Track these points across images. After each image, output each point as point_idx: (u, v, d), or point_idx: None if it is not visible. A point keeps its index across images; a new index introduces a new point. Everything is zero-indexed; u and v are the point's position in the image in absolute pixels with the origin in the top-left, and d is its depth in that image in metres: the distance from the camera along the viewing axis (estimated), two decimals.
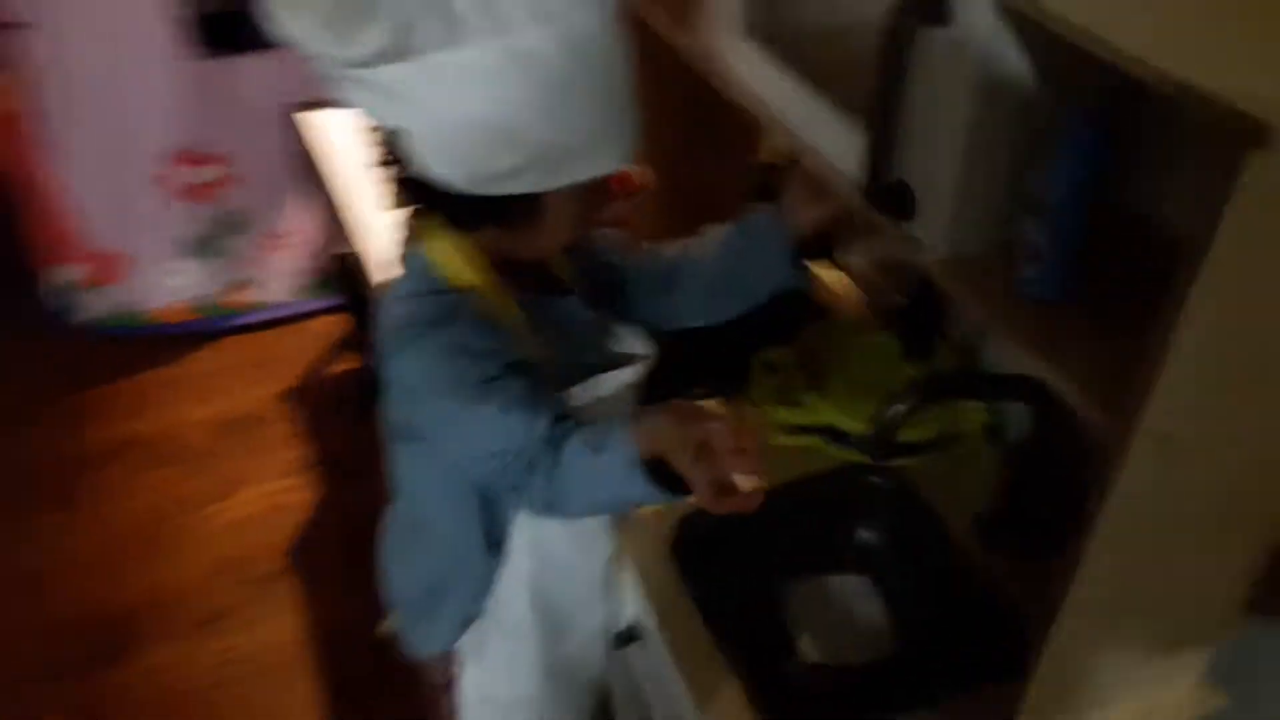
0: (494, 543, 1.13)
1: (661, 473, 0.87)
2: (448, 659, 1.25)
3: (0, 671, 1.89)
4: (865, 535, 1.27)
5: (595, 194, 0.99)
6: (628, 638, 1.24)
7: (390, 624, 1.31)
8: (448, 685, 1.28)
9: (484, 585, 1.16)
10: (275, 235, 2.56)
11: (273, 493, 2.21)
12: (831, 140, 0.96)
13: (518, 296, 1.02)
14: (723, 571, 1.19)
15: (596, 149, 0.93)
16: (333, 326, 2.61)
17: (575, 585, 1.24)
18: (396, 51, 0.84)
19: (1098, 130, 0.77)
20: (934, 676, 1.09)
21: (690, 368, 1.40)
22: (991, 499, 1.15)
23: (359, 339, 2.30)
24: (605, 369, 1.09)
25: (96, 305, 2.57)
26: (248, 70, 2.35)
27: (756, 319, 1.24)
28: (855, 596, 1.20)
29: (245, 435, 2.34)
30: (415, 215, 1.01)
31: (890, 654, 1.16)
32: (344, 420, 2.34)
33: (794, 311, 1.38)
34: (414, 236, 1.03)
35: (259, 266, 2.58)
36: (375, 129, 0.93)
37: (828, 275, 1.49)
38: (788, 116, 1.03)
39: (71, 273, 2.55)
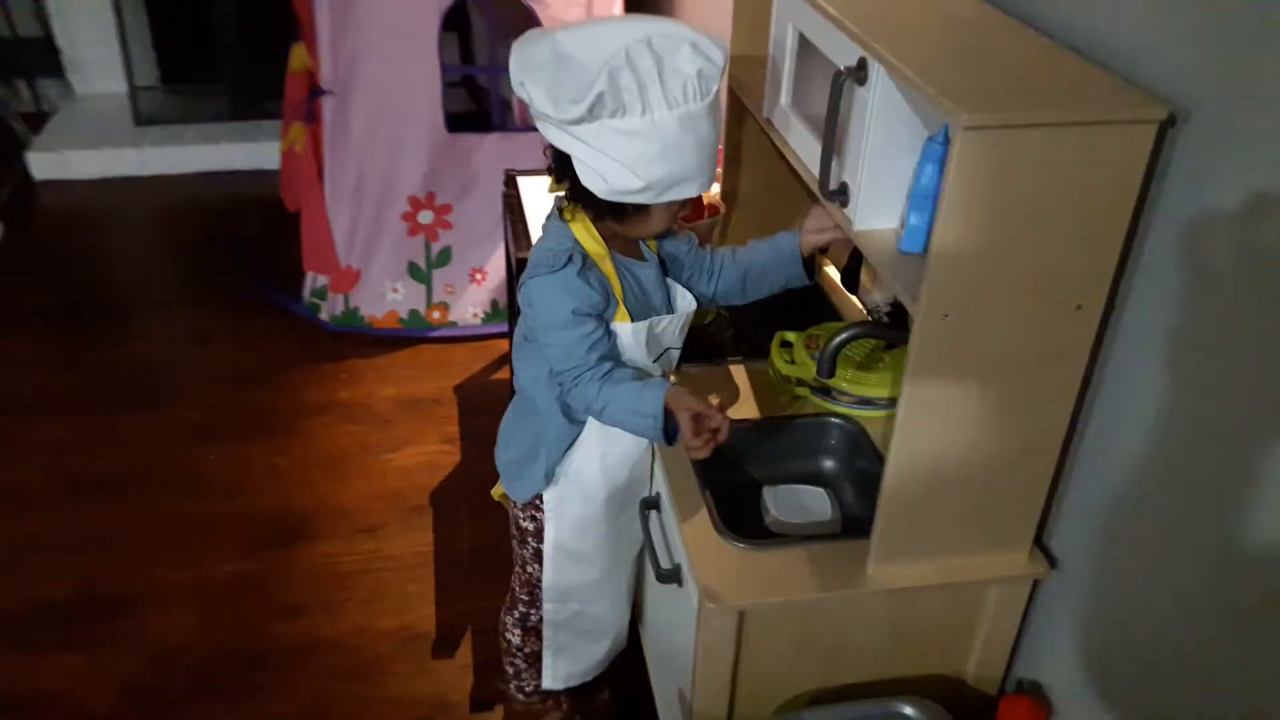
0: (572, 418, 1.69)
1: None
2: (537, 512, 1.78)
3: (212, 541, 2.56)
4: (829, 462, 1.77)
5: (682, 206, 1.58)
6: (651, 505, 1.76)
7: (500, 487, 1.87)
8: (537, 533, 1.80)
9: (566, 446, 1.69)
10: (470, 272, 3.31)
11: (430, 452, 2.86)
12: (814, 162, 1.53)
13: (615, 260, 1.62)
14: (723, 469, 1.71)
15: (689, 181, 1.49)
16: (498, 346, 3.30)
17: (633, 468, 1.76)
18: (585, 118, 1.40)
19: (943, 147, 1.31)
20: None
21: (737, 336, 1.98)
22: None
23: None
24: (661, 313, 1.67)
25: (333, 307, 3.36)
26: (480, 145, 3.16)
27: (782, 310, 1.80)
28: (814, 500, 1.68)
29: (419, 411, 3.02)
30: (568, 203, 1.58)
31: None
32: (493, 413, 2.97)
33: (810, 309, 1.93)
34: (561, 215, 1.61)
35: (455, 294, 3.33)
36: (556, 152, 1.50)
37: (845, 297, 2.04)
38: (801, 153, 1.62)
39: (321, 280, 3.37)
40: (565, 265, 1.52)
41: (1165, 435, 1.29)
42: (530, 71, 1.41)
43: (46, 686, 2.18)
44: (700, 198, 2.31)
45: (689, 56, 1.40)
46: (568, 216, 1.58)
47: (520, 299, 1.61)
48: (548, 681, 1.94)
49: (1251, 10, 1.10)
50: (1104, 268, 1.25)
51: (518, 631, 1.96)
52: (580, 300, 1.52)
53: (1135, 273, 1.31)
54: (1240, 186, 1.14)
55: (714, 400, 1.80)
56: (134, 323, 3.47)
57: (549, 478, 1.73)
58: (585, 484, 1.73)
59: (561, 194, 1.58)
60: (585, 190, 1.48)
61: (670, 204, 1.52)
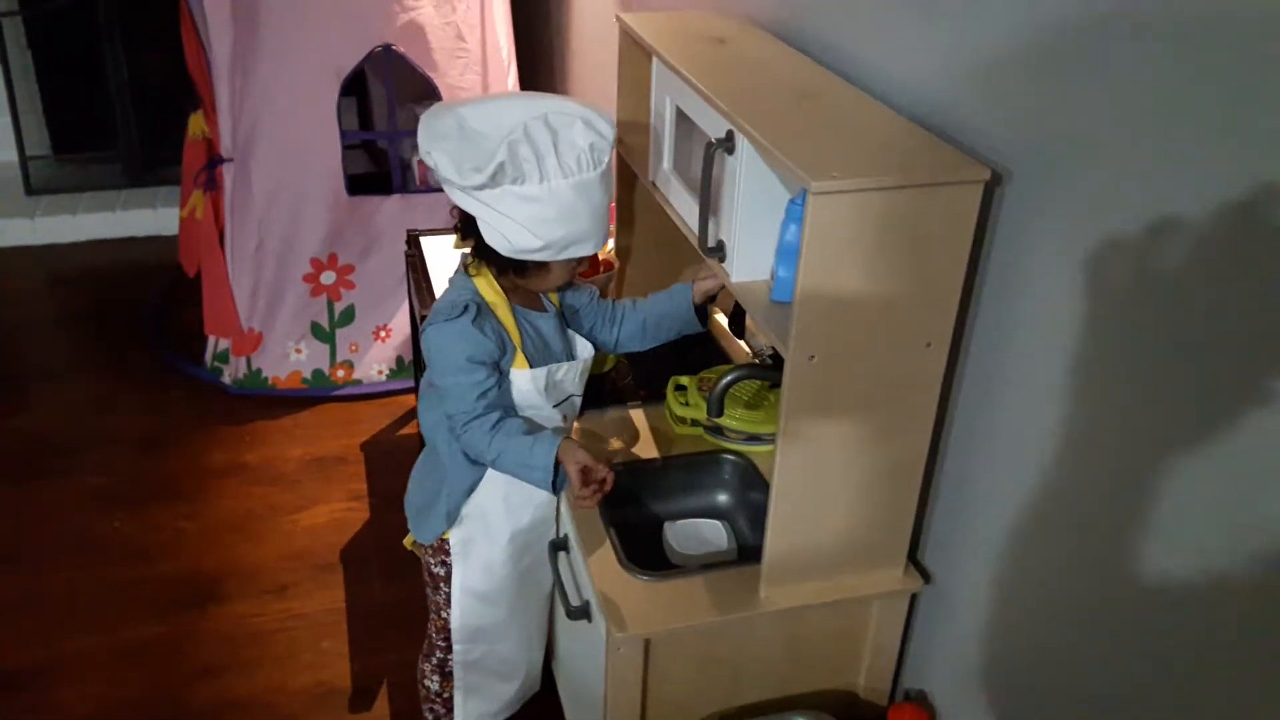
0: (473, 460, 1.78)
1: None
2: (444, 554, 1.87)
3: (121, 608, 2.56)
4: (724, 495, 1.90)
5: (580, 263, 1.72)
6: (560, 546, 1.86)
7: (410, 536, 1.95)
8: (448, 578, 1.88)
9: (466, 488, 1.78)
10: (374, 330, 3.38)
11: (338, 510, 2.90)
12: (694, 221, 1.68)
13: (516, 311, 1.73)
14: (627, 508, 1.82)
15: (585, 241, 1.63)
16: (404, 403, 3.36)
17: (537, 509, 1.86)
18: (488, 184, 1.54)
19: (802, 208, 1.46)
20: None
21: (636, 382, 2.10)
22: None
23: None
24: (562, 360, 1.79)
25: (236, 370, 3.38)
26: (380, 207, 3.25)
27: (677, 356, 1.93)
28: (712, 532, 1.81)
29: (326, 470, 3.06)
30: (472, 259, 1.71)
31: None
32: (400, 468, 3.03)
33: (702, 355, 2.08)
34: (466, 269, 1.74)
35: (360, 353, 3.38)
36: (462, 213, 1.63)
37: (733, 342, 2.19)
38: (682, 213, 1.76)
39: (223, 343, 3.39)
40: (461, 314, 1.63)
41: (1015, 456, 1.45)
42: (437, 142, 1.54)
43: None
44: (597, 255, 2.44)
45: (582, 131, 1.55)
46: (473, 271, 1.71)
47: (422, 346, 1.72)
48: None
49: (1047, 91, 1.29)
50: (947, 309, 1.42)
51: (436, 678, 2.02)
52: (474, 348, 1.62)
53: (978, 312, 1.49)
54: (1053, 232, 1.32)
55: (615, 444, 1.92)
56: (32, 393, 3.43)
57: (450, 518, 1.81)
58: (489, 525, 1.82)
59: (467, 250, 1.70)
60: (489, 248, 1.61)
61: (569, 261, 1.65)
